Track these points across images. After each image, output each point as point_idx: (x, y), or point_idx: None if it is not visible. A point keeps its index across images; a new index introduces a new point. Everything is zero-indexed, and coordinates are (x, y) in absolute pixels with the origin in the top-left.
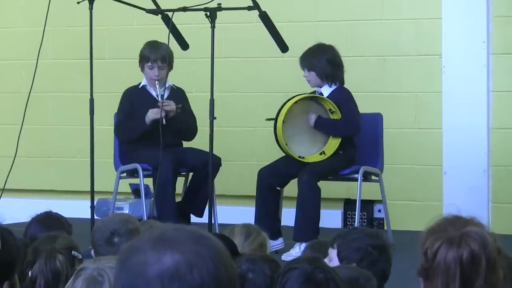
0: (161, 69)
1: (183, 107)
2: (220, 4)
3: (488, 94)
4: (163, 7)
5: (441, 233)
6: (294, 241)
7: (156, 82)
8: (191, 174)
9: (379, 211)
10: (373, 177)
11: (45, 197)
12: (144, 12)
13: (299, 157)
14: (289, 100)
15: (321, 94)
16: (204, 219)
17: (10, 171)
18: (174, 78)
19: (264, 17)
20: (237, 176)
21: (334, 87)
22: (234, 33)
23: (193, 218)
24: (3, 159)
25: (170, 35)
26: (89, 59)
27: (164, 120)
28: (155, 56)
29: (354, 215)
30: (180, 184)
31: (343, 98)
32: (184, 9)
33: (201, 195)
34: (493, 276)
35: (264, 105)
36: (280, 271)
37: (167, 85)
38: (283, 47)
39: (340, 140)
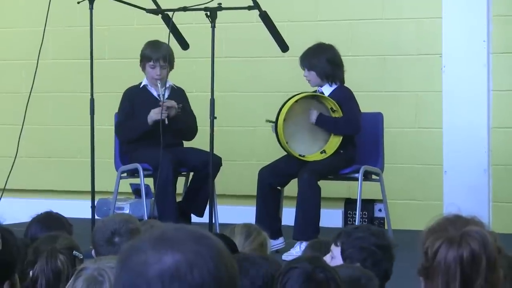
0: (163, 68)
1: (183, 106)
2: (220, 3)
3: (488, 94)
4: (163, 7)
5: (441, 233)
6: (295, 241)
7: (158, 81)
8: (191, 174)
9: (380, 210)
10: (373, 177)
11: (45, 197)
12: (144, 12)
13: (300, 155)
14: (290, 98)
15: (322, 93)
16: (205, 219)
17: (10, 171)
18: (174, 78)
19: (264, 17)
20: (238, 175)
21: (334, 86)
22: (235, 33)
23: (194, 218)
24: (3, 159)
25: (171, 35)
26: (89, 59)
27: (166, 120)
28: (157, 55)
29: (355, 214)
30: (180, 184)
31: (344, 97)
32: (184, 8)
33: (201, 195)
34: (493, 276)
35: (265, 104)
36: (281, 270)
37: (167, 85)
38: (284, 47)
39: (341, 139)
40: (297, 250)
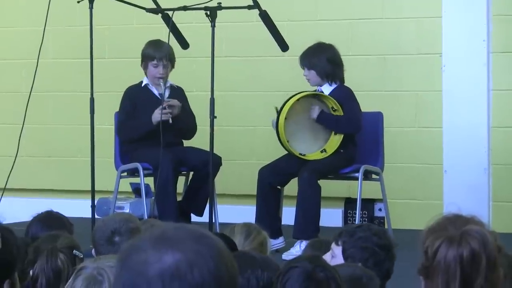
0: (166, 67)
1: (183, 106)
2: (220, 3)
3: (488, 93)
4: (163, 6)
5: (441, 232)
6: (295, 240)
7: (160, 80)
8: (191, 173)
9: (380, 210)
10: (373, 176)
11: (45, 196)
12: (144, 11)
13: (300, 154)
14: (291, 97)
15: (322, 92)
16: (205, 218)
17: (11, 170)
18: (174, 77)
19: (264, 16)
20: (238, 175)
21: (334, 86)
22: (234, 32)
23: (194, 218)
24: (4, 159)
25: (171, 34)
26: (89, 58)
27: (170, 120)
28: (161, 54)
29: (355, 214)
30: (180, 183)
31: (345, 96)
32: (184, 8)
33: (201, 194)
34: (493, 275)
35: (265, 104)
36: (281, 270)
37: (167, 84)
38: (283, 46)
39: (341, 138)
40: (297, 249)
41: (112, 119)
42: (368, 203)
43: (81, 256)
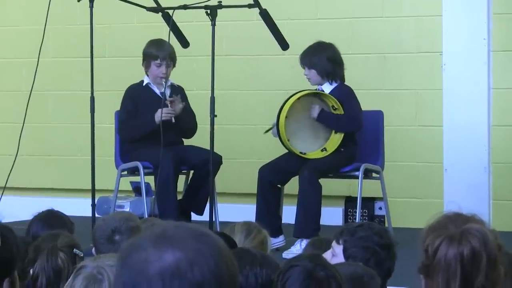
0: (168, 66)
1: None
2: (221, 1)
3: (488, 91)
4: (163, 5)
5: (441, 230)
6: (295, 238)
7: (163, 80)
8: (192, 172)
9: (380, 208)
10: (374, 175)
11: (46, 195)
12: (144, 10)
13: (301, 153)
14: (292, 96)
15: (323, 91)
16: (205, 217)
17: (11, 169)
18: (174, 76)
19: (265, 15)
20: (238, 174)
21: (334, 84)
22: (235, 31)
23: (194, 216)
24: (4, 158)
25: (171, 33)
26: (89, 57)
27: (173, 119)
28: (164, 53)
29: (355, 212)
30: (181, 182)
31: (345, 95)
32: (185, 7)
33: (201, 193)
34: (494, 273)
35: (265, 103)
36: (281, 268)
37: (168, 83)
38: (284, 45)
39: (342, 137)
40: (298, 248)
41: (112, 118)
42: (369, 202)
43: (81, 255)
